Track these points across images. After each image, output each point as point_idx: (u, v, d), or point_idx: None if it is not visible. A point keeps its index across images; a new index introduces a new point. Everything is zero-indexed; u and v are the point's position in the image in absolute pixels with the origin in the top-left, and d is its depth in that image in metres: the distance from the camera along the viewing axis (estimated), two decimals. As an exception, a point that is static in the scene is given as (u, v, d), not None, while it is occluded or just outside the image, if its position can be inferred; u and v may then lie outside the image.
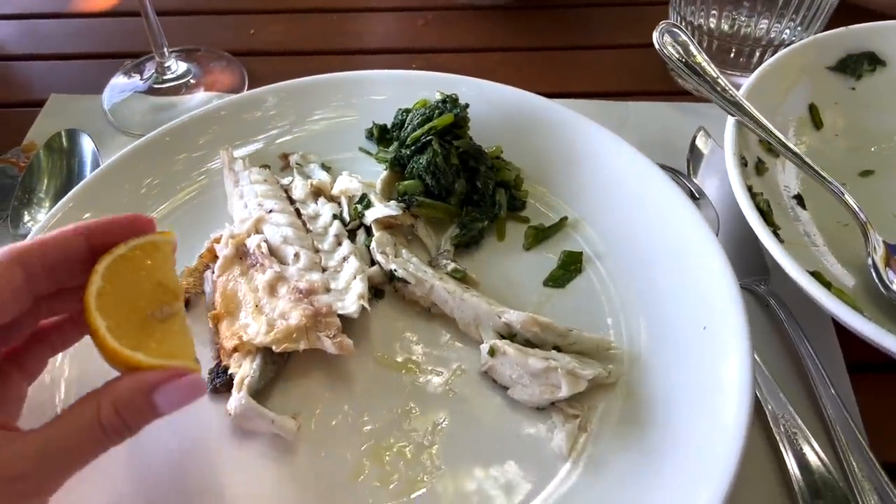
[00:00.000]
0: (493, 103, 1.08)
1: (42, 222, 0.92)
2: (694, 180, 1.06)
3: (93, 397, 0.60)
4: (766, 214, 0.89)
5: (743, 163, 0.94)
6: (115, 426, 0.60)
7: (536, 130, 1.06)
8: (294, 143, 1.11)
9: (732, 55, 1.19)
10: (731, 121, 0.97)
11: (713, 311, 0.82)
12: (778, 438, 0.78)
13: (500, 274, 0.94)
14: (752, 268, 0.95)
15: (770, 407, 0.81)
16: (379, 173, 1.04)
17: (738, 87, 0.99)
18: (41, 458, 0.57)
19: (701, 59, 1.00)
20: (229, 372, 0.81)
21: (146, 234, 0.68)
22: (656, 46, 1.02)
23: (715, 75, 0.99)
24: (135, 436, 0.62)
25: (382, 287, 0.92)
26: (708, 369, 0.78)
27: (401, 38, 1.42)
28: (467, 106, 1.01)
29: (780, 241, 0.86)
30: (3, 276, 0.59)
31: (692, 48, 1.02)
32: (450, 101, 1.01)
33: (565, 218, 0.98)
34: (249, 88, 1.29)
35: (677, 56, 1.01)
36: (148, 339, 0.63)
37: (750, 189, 0.90)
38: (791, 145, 0.95)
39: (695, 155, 1.09)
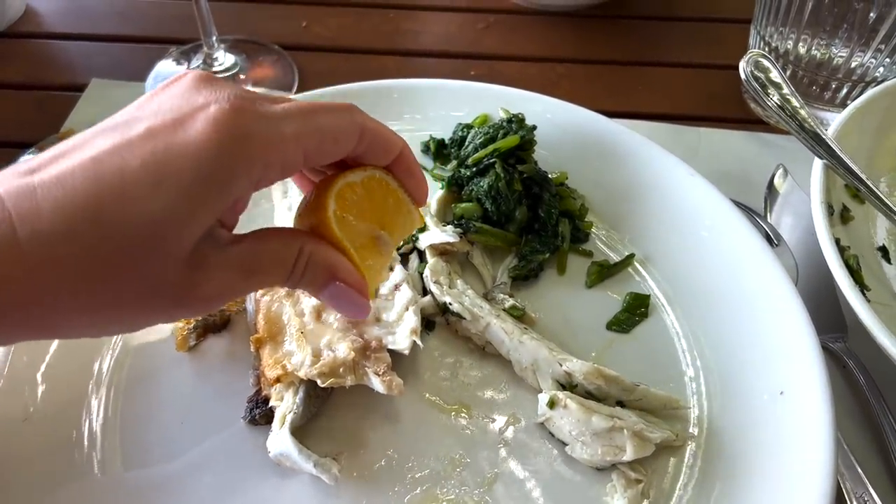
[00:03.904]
0: (559, 124, 1.02)
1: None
2: (769, 221, 0.99)
3: (298, 238, 0.59)
4: (854, 272, 0.82)
5: (829, 211, 0.87)
6: (296, 275, 0.59)
7: (604, 156, 1.00)
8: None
9: (815, 87, 1.11)
10: (818, 164, 0.90)
11: (792, 376, 0.76)
12: (855, 520, 0.73)
13: (559, 312, 0.88)
14: (828, 323, 0.88)
15: (847, 484, 0.75)
16: (431, 190, 0.98)
17: (822, 121, 0.92)
18: (242, 272, 0.56)
19: (791, 94, 0.93)
20: (270, 404, 0.76)
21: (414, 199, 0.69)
22: (742, 77, 0.94)
23: (805, 114, 0.92)
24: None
25: (434, 318, 0.87)
26: (785, 441, 0.72)
27: (460, 41, 1.35)
28: (534, 128, 0.95)
29: (867, 300, 0.79)
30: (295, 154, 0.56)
31: (781, 81, 0.94)
32: (516, 122, 0.95)
33: (632, 255, 0.92)
34: (300, 86, 1.23)
35: (764, 89, 0.94)
36: (355, 248, 0.63)
37: (837, 242, 0.83)
38: (884, 197, 0.87)
39: (771, 193, 1.02)
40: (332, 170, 0.65)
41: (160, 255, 0.50)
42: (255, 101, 0.54)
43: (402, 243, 0.92)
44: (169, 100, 0.53)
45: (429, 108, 1.06)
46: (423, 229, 0.91)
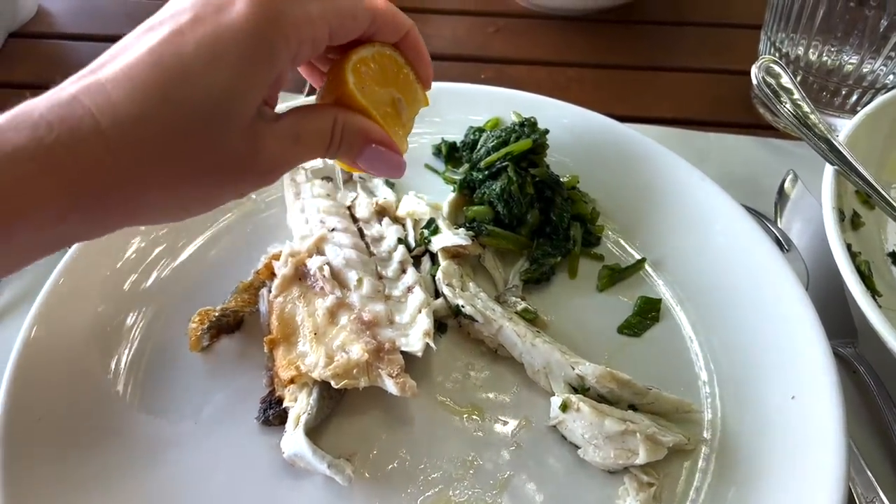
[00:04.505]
0: (570, 128, 1.02)
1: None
2: (779, 226, 0.99)
3: (332, 109, 0.66)
4: (865, 278, 0.83)
5: (840, 216, 0.87)
6: (334, 145, 0.66)
7: (616, 161, 1.00)
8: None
9: (826, 93, 1.11)
10: (829, 170, 0.90)
11: (803, 380, 0.76)
12: (866, 525, 0.73)
13: (571, 315, 0.88)
14: (838, 329, 0.88)
15: (858, 489, 0.75)
16: (443, 192, 0.99)
17: (831, 127, 0.92)
18: (288, 145, 0.63)
19: (802, 100, 0.93)
20: (284, 404, 0.77)
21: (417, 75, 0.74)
22: (754, 82, 0.95)
23: (816, 119, 0.92)
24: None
25: (446, 321, 0.87)
26: (797, 446, 0.73)
27: (470, 44, 1.36)
28: (546, 131, 0.95)
29: (878, 306, 0.79)
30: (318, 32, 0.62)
31: (792, 87, 0.94)
32: (528, 125, 0.95)
33: (643, 259, 0.92)
34: (310, 88, 1.23)
35: (776, 94, 0.94)
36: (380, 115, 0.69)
37: (849, 248, 0.83)
38: (895, 203, 0.88)
39: (781, 199, 1.02)
40: (339, 55, 0.69)
41: (225, 126, 0.57)
42: None
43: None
44: None
45: (448, 112, 1.06)
46: (435, 232, 0.91)
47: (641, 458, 0.72)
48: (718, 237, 0.91)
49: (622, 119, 1.03)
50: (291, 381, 0.77)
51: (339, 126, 0.65)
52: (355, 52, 0.67)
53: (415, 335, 0.80)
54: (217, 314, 0.84)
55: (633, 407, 0.78)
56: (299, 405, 0.75)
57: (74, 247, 0.86)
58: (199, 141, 0.56)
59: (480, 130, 1.02)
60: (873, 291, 0.83)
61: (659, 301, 0.88)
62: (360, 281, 0.84)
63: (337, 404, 0.79)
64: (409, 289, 0.86)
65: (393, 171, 0.71)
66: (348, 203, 0.96)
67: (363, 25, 0.66)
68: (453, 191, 0.97)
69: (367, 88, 0.67)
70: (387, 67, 0.70)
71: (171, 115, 0.55)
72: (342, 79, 0.66)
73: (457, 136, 1.05)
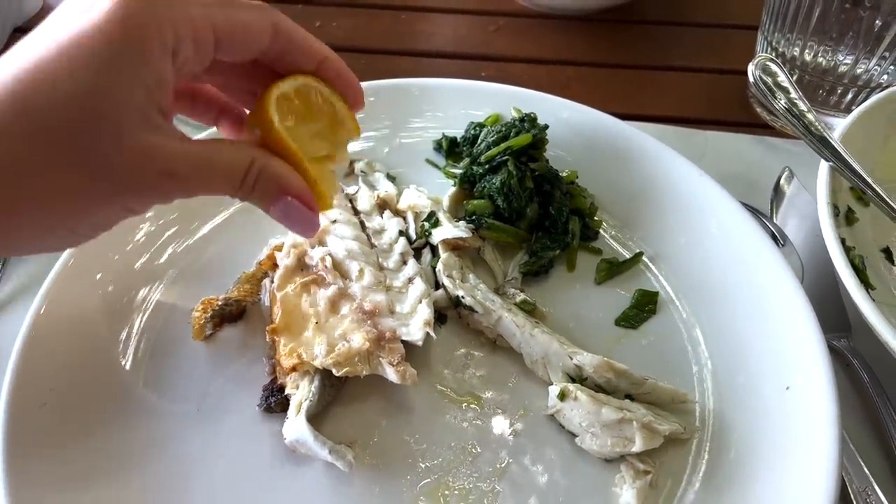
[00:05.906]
0: (570, 124, 1.04)
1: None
2: (775, 222, 1.01)
3: (251, 150, 0.61)
4: (859, 272, 0.84)
5: (835, 212, 0.88)
6: (246, 186, 0.60)
7: (614, 157, 1.01)
8: (362, 149, 1.07)
9: (822, 92, 1.13)
10: (825, 166, 0.91)
11: (797, 372, 0.78)
12: (858, 515, 0.74)
13: (569, 308, 0.90)
14: (832, 323, 0.90)
15: (854, 484, 0.76)
16: (443, 187, 1.00)
17: (827, 126, 0.94)
18: (193, 167, 0.57)
19: (798, 98, 0.95)
20: (286, 392, 0.78)
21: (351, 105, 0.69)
22: (751, 80, 0.96)
23: (812, 117, 0.93)
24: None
25: (446, 312, 0.88)
26: (790, 436, 0.74)
27: (471, 42, 1.37)
28: (546, 127, 0.96)
29: (872, 299, 0.81)
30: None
31: (788, 85, 0.96)
32: (528, 121, 0.97)
33: (640, 253, 0.94)
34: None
35: (772, 92, 0.96)
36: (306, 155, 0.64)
37: (843, 242, 0.84)
38: (889, 199, 0.89)
39: (777, 195, 1.04)
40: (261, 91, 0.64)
41: (97, 130, 0.51)
42: None
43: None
44: None
45: (449, 107, 1.08)
46: (436, 224, 0.92)
47: (638, 446, 0.73)
48: (715, 232, 0.92)
49: (620, 117, 1.05)
50: (293, 369, 0.78)
51: (255, 168, 0.60)
52: (276, 87, 0.62)
53: (415, 324, 0.81)
54: (220, 303, 0.85)
55: (629, 397, 0.79)
56: (301, 392, 0.76)
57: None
58: (70, 151, 0.51)
59: (481, 126, 1.03)
60: (867, 285, 0.84)
61: (656, 294, 0.90)
62: (361, 271, 0.85)
63: (338, 392, 0.80)
64: (410, 280, 0.87)
65: (305, 229, 0.65)
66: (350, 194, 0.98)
67: (260, 39, 0.61)
68: (454, 185, 0.99)
69: (293, 127, 0.62)
70: (312, 101, 0.65)
71: (33, 128, 0.50)
72: (265, 118, 0.61)
73: (457, 132, 1.06)
